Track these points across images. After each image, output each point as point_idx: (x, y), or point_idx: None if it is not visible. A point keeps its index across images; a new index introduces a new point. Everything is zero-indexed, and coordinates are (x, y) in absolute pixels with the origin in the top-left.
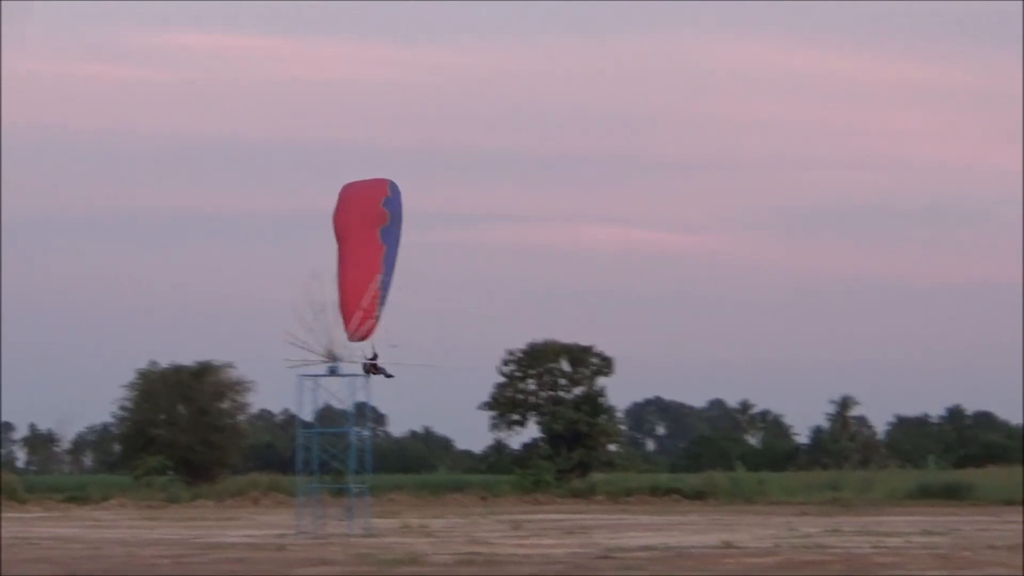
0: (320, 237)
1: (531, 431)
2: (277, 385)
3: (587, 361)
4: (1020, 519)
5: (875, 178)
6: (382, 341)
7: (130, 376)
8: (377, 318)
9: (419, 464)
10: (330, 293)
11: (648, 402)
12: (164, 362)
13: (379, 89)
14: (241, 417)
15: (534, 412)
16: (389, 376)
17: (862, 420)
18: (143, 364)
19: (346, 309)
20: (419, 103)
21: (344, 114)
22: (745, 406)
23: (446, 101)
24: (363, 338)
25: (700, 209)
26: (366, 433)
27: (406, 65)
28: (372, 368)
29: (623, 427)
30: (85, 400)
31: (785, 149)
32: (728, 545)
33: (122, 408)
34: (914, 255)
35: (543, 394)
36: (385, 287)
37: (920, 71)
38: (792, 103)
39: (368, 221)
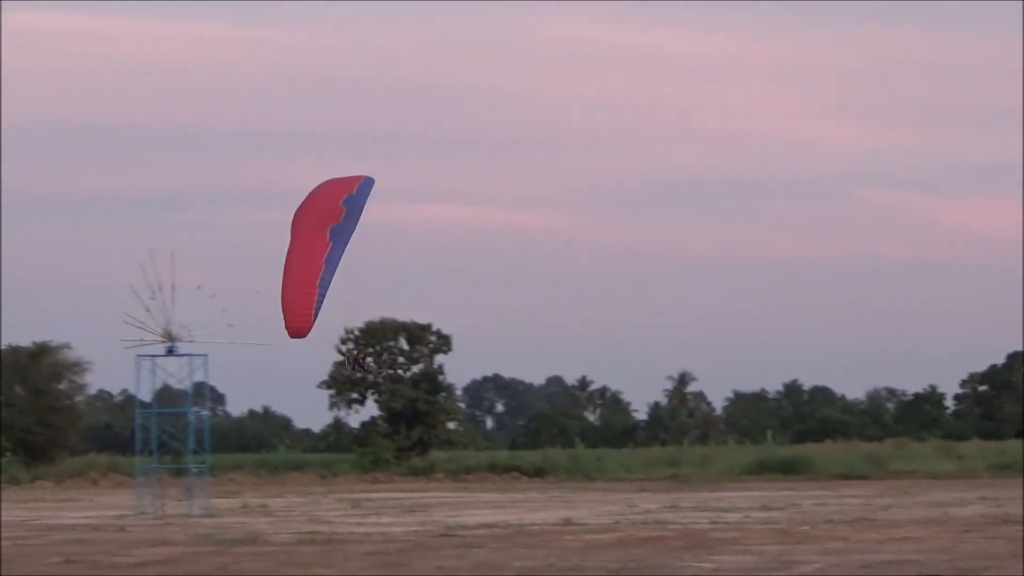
0: (157, 217)
1: (370, 409)
2: (115, 365)
3: (425, 339)
4: (859, 493)
5: (711, 153)
6: (220, 321)
7: None
8: (315, 316)
9: (258, 443)
10: (168, 273)
11: (487, 379)
12: (0, 343)
13: (210, 69)
14: (79, 398)
15: (373, 391)
16: (367, 370)
17: (700, 396)
18: None
19: (283, 306)
20: (252, 82)
21: (181, 94)
22: (583, 383)
23: (283, 80)
24: (300, 336)
25: (536, 186)
26: (205, 413)
27: (229, 43)
28: (356, 363)
29: (462, 405)
30: None
31: (620, 125)
32: (568, 522)
33: None
34: (748, 230)
35: (382, 372)
36: (324, 286)
37: (752, 45)
38: (623, 78)
39: (322, 218)
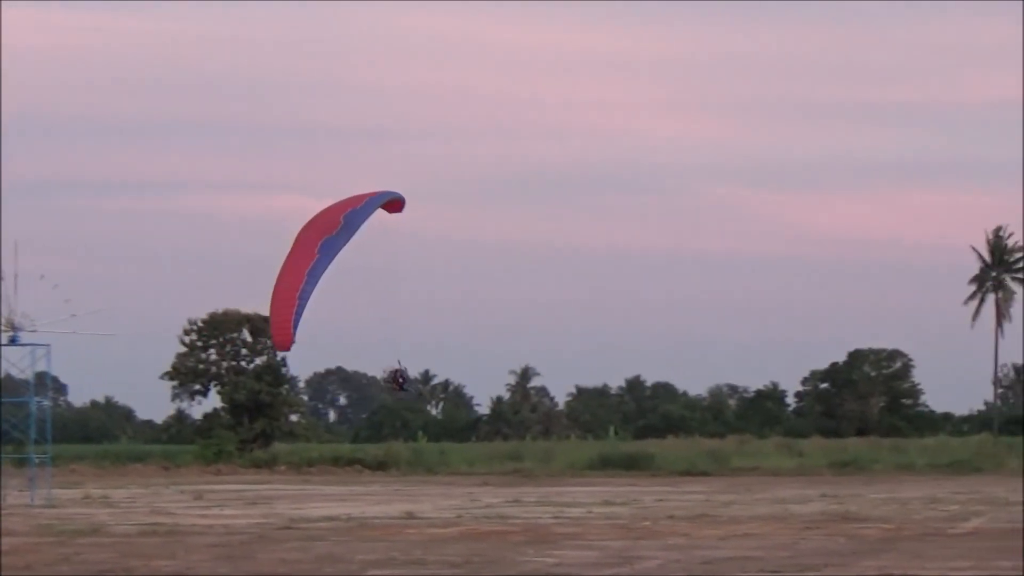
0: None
1: (213, 401)
2: None
3: (268, 331)
4: (701, 489)
5: (554, 146)
6: (63, 311)
7: None
8: (294, 328)
9: (100, 434)
10: (11, 262)
11: (329, 372)
12: None
13: (48, 55)
14: None
15: (216, 382)
16: (412, 392)
17: (543, 391)
18: None
19: (271, 319)
20: (94, 70)
21: (23, 80)
22: (426, 377)
23: (134, 69)
24: (284, 349)
25: (381, 177)
26: (47, 403)
27: (76, 31)
28: (397, 382)
29: (305, 397)
30: None
31: (467, 118)
32: (410, 515)
33: None
34: (592, 223)
35: (225, 364)
36: (304, 298)
37: (597, 40)
38: (473, 73)
39: (318, 231)
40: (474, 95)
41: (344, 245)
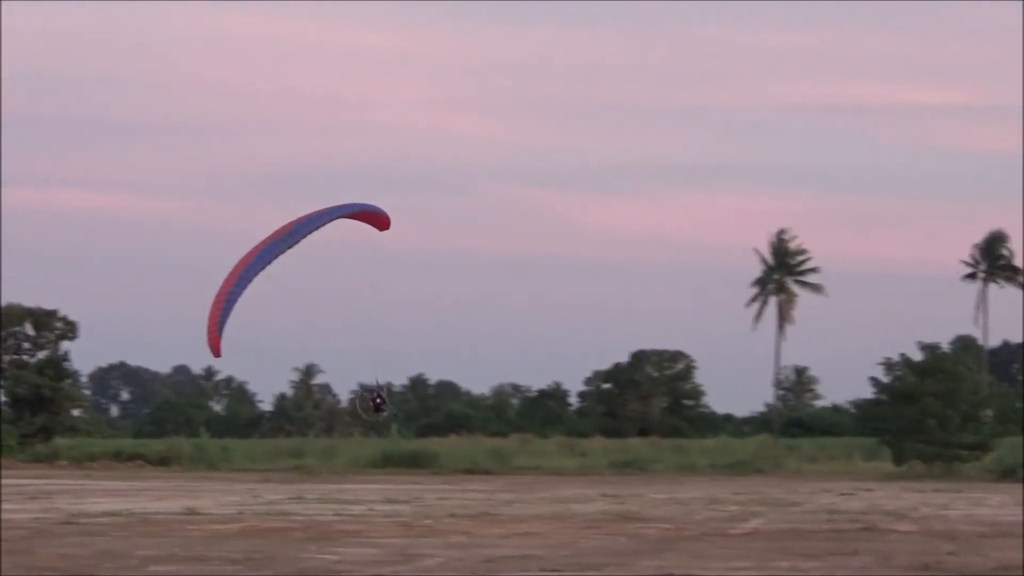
0: None
1: None
2: None
3: (51, 325)
4: (482, 488)
5: (345, 143)
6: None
7: None
8: (220, 331)
9: None
10: None
11: (113, 367)
12: None
13: None
14: None
15: None
16: (390, 414)
17: (326, 388)
18: None
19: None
20: None
21: None
22: (209, 372)
23: None
24: (214, 354)
25: (165, 173)
26: None
27: None
28: (375, 403)
29: (87, 392)
30: None
31: (257, 115)
32: (192, 512)
33: None
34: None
35: (7, 358)
36: (231, 301)
37: (392, 37)
38: (262, 69)
39: (270, 236)
40: (260, 91)
41: (284, 251)
